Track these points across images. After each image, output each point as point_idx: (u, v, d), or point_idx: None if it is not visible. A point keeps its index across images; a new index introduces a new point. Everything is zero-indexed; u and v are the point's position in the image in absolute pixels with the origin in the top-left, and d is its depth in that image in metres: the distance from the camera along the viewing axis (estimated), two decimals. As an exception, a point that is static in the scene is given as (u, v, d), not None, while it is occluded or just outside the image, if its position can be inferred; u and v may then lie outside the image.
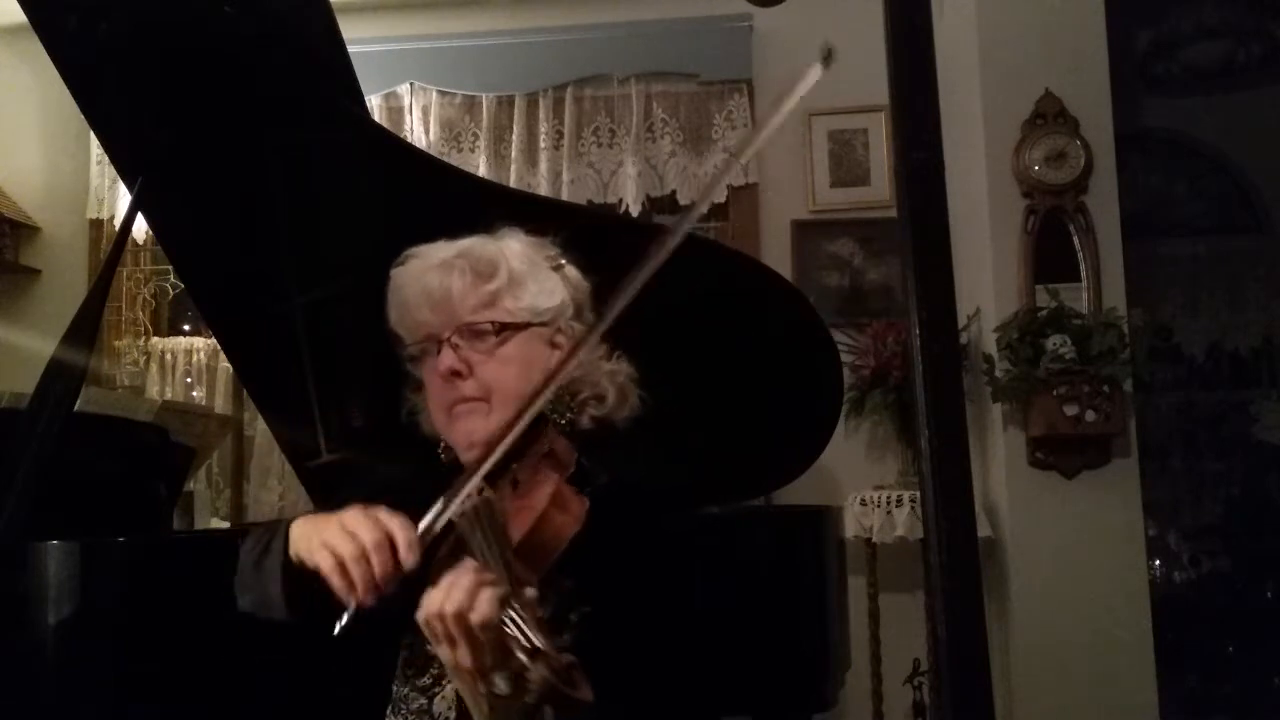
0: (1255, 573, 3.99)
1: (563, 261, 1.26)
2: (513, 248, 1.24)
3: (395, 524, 1.02)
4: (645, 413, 1.26)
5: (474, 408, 1.18)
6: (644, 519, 1.18)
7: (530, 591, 0.91)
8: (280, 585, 1.09)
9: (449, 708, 1.14)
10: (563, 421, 1.22)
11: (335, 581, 1.01)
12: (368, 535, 1.01)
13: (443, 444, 1.24)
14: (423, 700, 1.17)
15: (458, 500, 1.03)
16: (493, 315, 1.19)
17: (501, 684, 0.86)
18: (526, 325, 1.20)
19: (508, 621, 0.87)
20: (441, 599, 0.91)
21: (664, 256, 0.99)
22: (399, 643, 1.22)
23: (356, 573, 1.00)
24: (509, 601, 0.89)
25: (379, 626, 1.15)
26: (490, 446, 1.07)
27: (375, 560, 1.00)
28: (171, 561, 1.70)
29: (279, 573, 1.10)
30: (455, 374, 1.17)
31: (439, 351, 1.19)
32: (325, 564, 1.02)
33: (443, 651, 0.93)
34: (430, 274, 1.21)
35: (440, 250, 1.23)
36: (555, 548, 1.05)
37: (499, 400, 1.17)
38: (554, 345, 1.22)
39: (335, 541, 1.02)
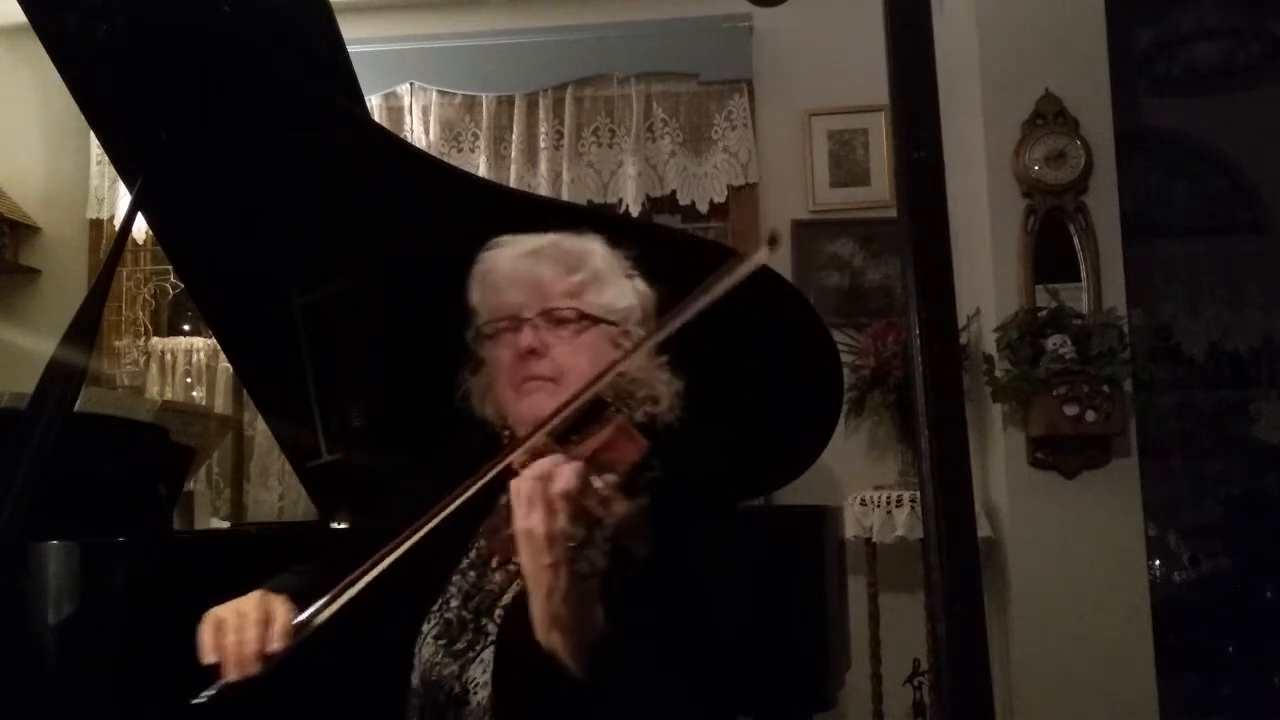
0: (1255, 573, 3.99)
1: (635, 272, 1.35)
2: (597, 248, 1.33)
3: (279, 610, 1.10)
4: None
5: (542, 386, 1.25)
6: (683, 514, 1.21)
7: (608, 476, 0.98)
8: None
9: (484, 672, 1.17)
10: (620, 413, 1.26)
11: (207, 642, 1.09)
12: (251, 611, 1.10)
13: (501, 427, 1.32)
14: (455, 666, 1.20)
15: (401, 550, 1.08)
16: (575, 304, 1.27)
17: (578, 531, 0.94)
18: (601, 321, 1.28)
19: (586, 489, 0.95)
20: (529, 473, 0.97)
21: (727, 286, 1.06)
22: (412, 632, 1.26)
23: (228, 641, 1.08)
24: (587, 476, 0.95)
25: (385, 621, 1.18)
26: (536, 427, 1.12)
27: (250, 635, 1.08)
28: (171, 561, 1.70)
29: None
30: (532, 352, 1.25)
31: (519, 330, 1.27)
32: (205, 633, 1.10)
33: (519, 516, 0.97)
34: (522, 259, 1.30)
35: (530, 240, 1.32)
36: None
37: (567, 383, 1.23)
38: (618, 345, 1.28)
39: (221, 612, 1.11)
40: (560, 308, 1.27)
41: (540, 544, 0.95)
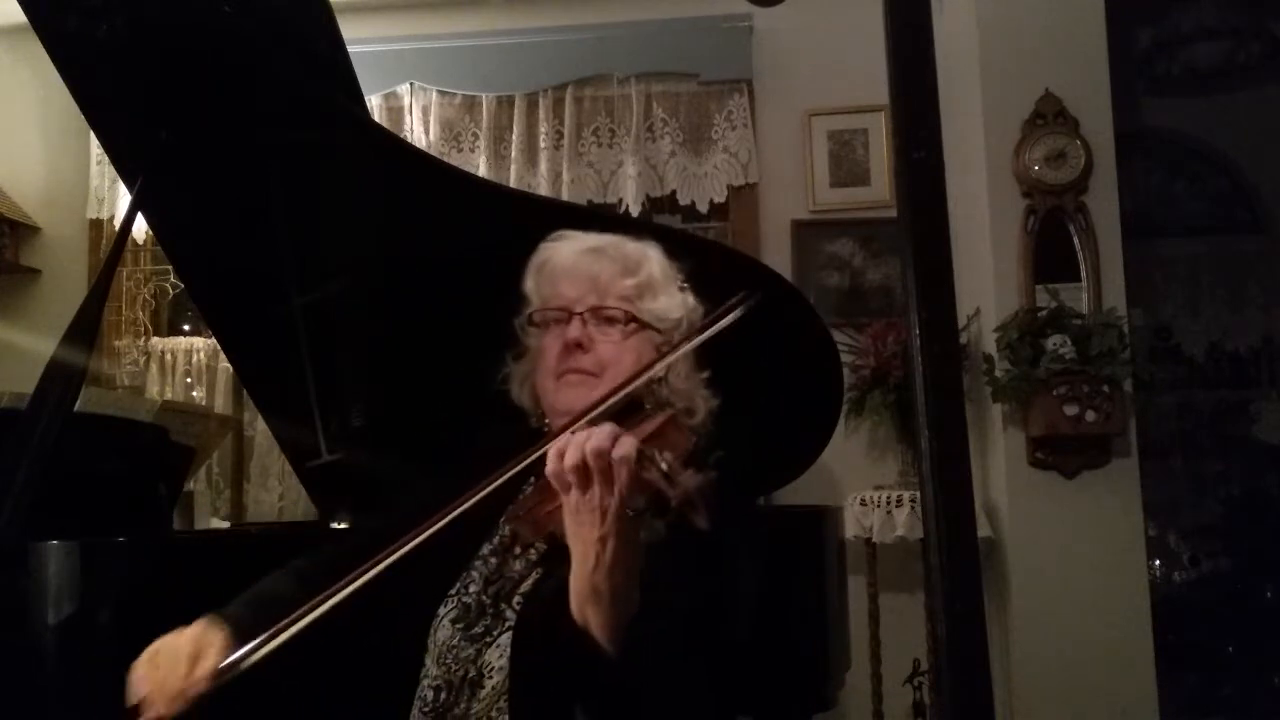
0: (1255, 573, 3.99)
1: (686, 285, 1.37)
2: (655, 255, 1.35)
3: (212, 649, 1.11)
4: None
5: (583, 380, 1.27)
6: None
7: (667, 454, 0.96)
8: None
9: (500, 656, 1.17)
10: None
11: (138, 674, 1.10)
12: (184, 646, 1.11)
13: (536, 415, 1.35)
14: (471, 650, 1.20)
15: (407, 548, 1.08)
16: (627, 307, 1.30)
17: (637, 500, 0.93)
18: (649, 326, 1.31)
19: (645, 461, 0.94)
20: (584, 440, 0.95)
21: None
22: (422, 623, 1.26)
23: (156, 676, 1.09)
24: (644, 450, 0.94)
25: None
26: (576, 418, 1.13)
27: (175, 673, 1.09)
28: (171, 561, 1.70)
29: None
30: (578, 345, 1.28)
31: (568, 322, 1.29)
32: (139, 665, 1.11)
33: (571, 497, 0.97)
34: (582, 254, 1.33)
35: (592, 237, 1.36)
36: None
37: (606, 380, 1.25)
38: (659, 354, 1.29)
39: (157, 645, 1.13)
40: (612, 307, 1.29)
41: (594, 514, 0.95)
